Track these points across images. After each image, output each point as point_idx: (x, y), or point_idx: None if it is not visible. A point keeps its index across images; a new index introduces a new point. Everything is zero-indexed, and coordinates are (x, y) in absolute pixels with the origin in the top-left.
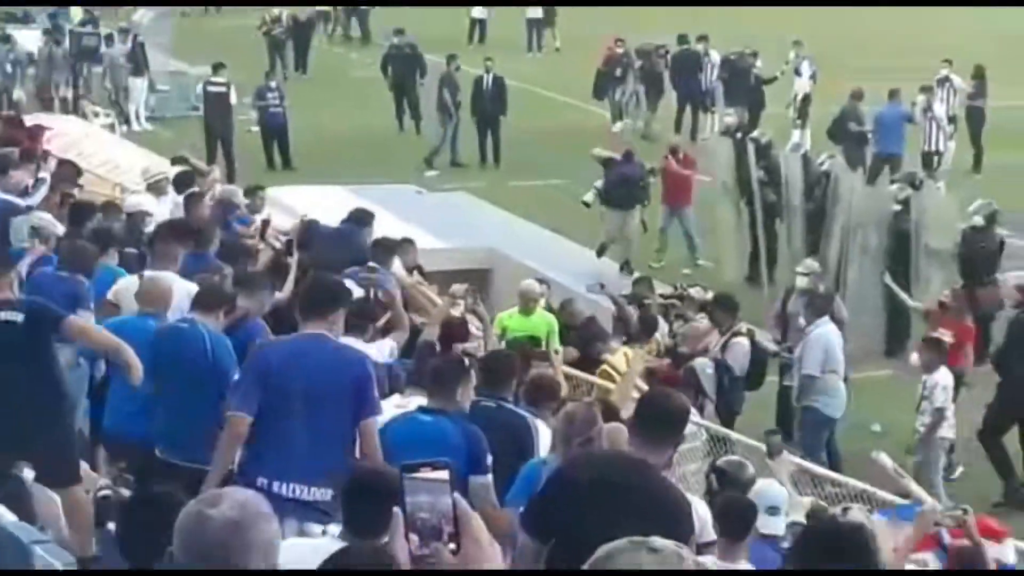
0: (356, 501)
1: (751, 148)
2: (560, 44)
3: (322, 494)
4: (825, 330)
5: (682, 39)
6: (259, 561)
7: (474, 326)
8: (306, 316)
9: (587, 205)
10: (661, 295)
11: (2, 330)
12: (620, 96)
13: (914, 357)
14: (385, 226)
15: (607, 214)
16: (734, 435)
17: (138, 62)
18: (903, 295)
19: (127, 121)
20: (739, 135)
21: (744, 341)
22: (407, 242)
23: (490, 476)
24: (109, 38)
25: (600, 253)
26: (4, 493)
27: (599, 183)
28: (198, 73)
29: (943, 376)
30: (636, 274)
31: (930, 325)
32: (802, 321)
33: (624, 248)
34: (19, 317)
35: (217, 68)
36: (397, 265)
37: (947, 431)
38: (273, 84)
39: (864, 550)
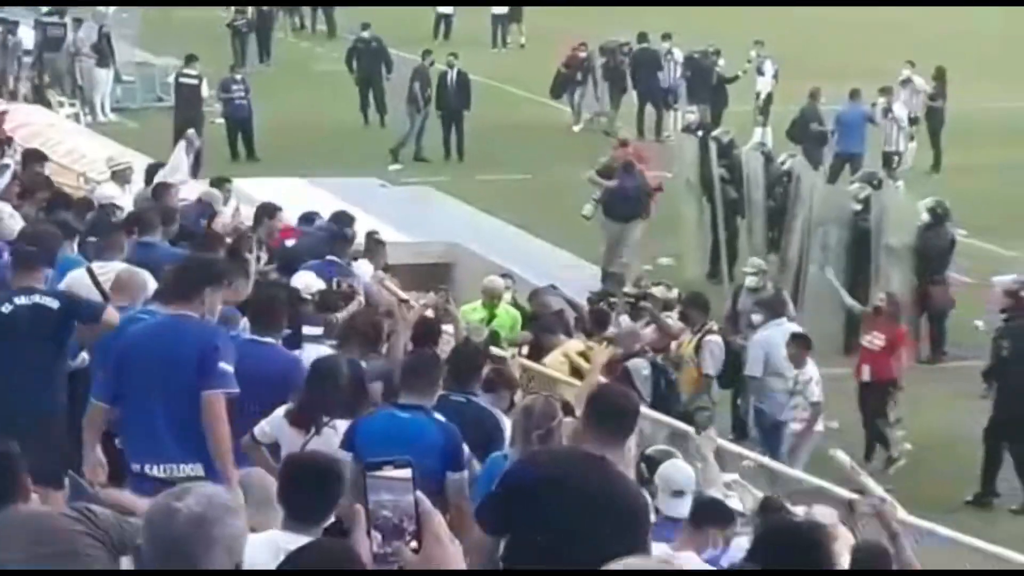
0: (293, 488)
1: (713, 146)
2: (525, 40)
3: (192, 470)
4: (773, 332)
5: (642, 37)
6: (223, 556)
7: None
8: (173, 297)
9: (586, 218)
10: (625, 293)
11: (34, 311)
12: (579, 98)
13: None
14: None
15: (607, 224)
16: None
17: (104, 53)
18: (843, 293)
19: (92, 111)
20: (701, 133)
21: (718, 339)
22: (377, 243)
23: (466, 473)
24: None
25: (604, 276)
26: None
27: (596, 195)
28: (164, 64)
29: (812, 370)
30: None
31: (864, 328)
32: (755, 318)
33: (617, 259)
34: (54, 303)
35: (189, 60)
36: (364, 265)
37: (820, 424)
38: (238, 76)
39: (821, 549)
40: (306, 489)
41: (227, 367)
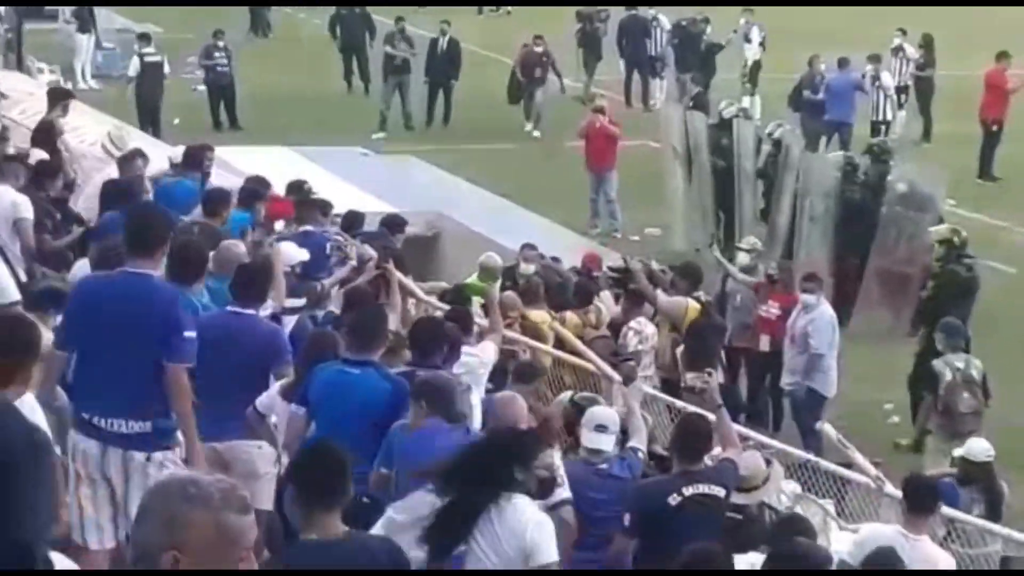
0: None
1: (702, 120)
2: (512, 7)
3: (141, 426)
4: (827, 308)
5: (630, 4)
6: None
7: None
8: (132, 253)
9: None
10: (609, 268)
11: None
12: (541, 97)
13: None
14: (330, 188)
15: None
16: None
17: (84, 19)
18: (729, 267)
19: (72, 79)
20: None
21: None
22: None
23: None
24: None
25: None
26: None
27: None
28: (144, 31)
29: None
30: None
31: (759, 298)
32: (739, 300)
33: None
34: None
35: (145, 38)
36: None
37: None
38: (220, 43)
39: None
40: None
41: (190, 335)
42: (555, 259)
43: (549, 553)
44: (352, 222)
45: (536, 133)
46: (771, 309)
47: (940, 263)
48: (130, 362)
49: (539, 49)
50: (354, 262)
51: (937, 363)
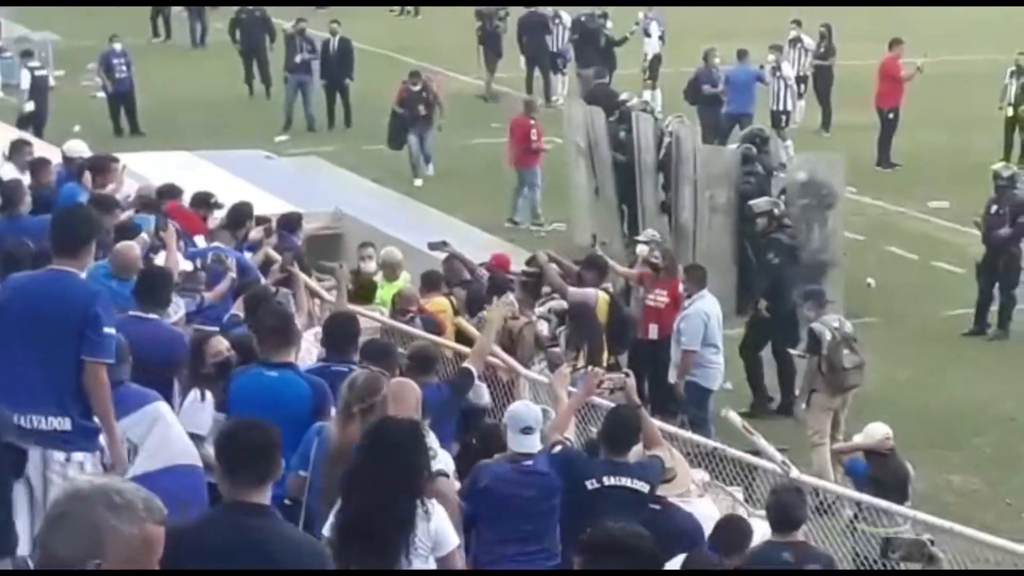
0: None
1: (600, 114)
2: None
3: (60, 423)
4: (704, 303)
5: (531, 4)
6: None
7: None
8: (57, 253)
9: None
10: (524, 271)
11: None
12: (432, 141)
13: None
14: (235, 192)
15: None
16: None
17: None
18: (610, 262)
19: None
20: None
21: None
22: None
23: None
24: None
25: None
26: None
27: None
28: (42, 39)
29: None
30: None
31: (645, 289)
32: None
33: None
34: None
35: (28, 54)
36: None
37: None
38: (119, 49)
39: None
40: None
41: (109, 331)
42: (444, 243)
43: (453, 538)
44: (289, 225)
45: (420, 183)
46: (658, 297)
47: (765, 234)
48: (48, 356)
49: (416, 87)
50: (233, 274)
51: (815, 326)
